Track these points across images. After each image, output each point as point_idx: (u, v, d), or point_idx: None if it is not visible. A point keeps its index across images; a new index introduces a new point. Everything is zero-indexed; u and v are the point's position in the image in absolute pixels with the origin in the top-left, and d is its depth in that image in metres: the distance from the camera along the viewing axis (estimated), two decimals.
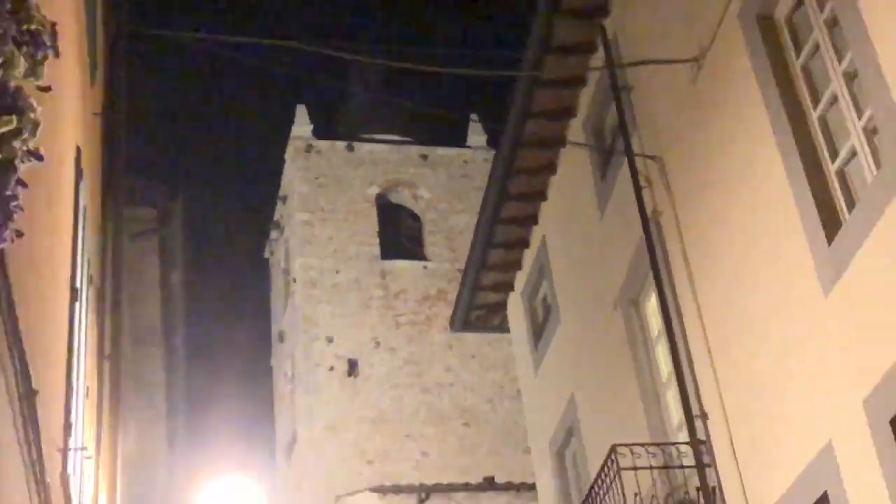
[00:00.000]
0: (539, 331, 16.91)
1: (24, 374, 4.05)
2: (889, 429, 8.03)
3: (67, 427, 5.68)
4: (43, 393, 4.76)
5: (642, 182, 12.01)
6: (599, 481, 11.34)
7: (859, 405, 8.37)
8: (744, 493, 10.28)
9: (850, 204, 8.77)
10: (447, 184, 39.87)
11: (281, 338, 40.55)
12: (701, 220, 11.10)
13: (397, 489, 27.60)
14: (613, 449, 11.13)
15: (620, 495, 10.87)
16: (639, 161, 12.08)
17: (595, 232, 14.13)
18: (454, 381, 36.47)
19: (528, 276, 17.27)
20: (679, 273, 11.52)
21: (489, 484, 28.61)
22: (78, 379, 6.17)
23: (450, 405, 36.09)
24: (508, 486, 28.33)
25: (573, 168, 15.06)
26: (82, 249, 6.44)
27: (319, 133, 39.97)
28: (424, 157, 40.20)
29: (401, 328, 36.99)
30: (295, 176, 38.90)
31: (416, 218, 39.74)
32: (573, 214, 15.11)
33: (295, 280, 37.83)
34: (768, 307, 9.73)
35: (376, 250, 37.98)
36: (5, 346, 3.70)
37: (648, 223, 11.81)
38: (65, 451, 5.58)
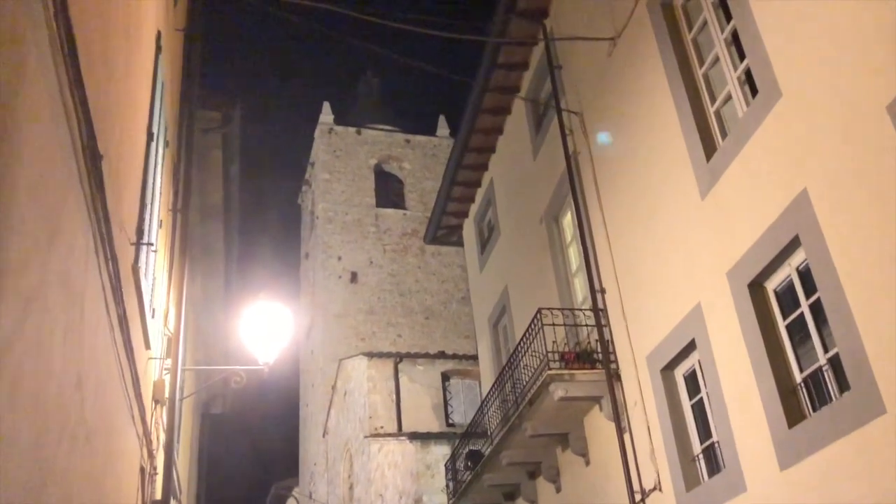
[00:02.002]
0: (484, 243, 16.00)
1: (89, 135, 2.98)
2: (746, 290, 7.23)
3: (141, 222, 4.64)
4: (115, 172, 3.75)
5: (567, 131, 11.09)
6: (527, 335, 10.49)
7: (723, 276, 7.56)
8: (630, 343, 9.48)
9: (724, 134, 7.93)
10: (422, 160, 39.76)
11: (307, 256, 40.31)
12: (609, 155, 10.20)
13: (380, 354, 26.80)
14: (539, 311, 10.28)
15: (542, 344, 10.02)
16: (565, 115, 11.14)
17: (529, 171, 13.20)
18: (420, 289, 36.29)
19: (479, 207, 16.33)
20: (590, 193, 10.64)
21: (440, 354, 27.92)
22: (152, 200, 5.12)
23: (417, 304, 35.89)
24: (454, 356, 27.66)
25: (515, 130, 14.10)
26: (160, 109, 5.39)
27: (338, 121, 39.53)
28: (408, 141, 40.19)
29: (387, 253, 36.77)
30: (320, 148, 38.64)
31: (400, 181, 39.27)
32: (514, 161, 14.16)
33: (318, 217, 37.38)
34: (656, 209, 8.89)
35: (372, 200, 37.80)
36: (69, 97, 2.68)
37: (570, 159, 10.93)
38: (137, 244, 4.52)
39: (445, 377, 26.96)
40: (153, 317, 5.49)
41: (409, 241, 37.30)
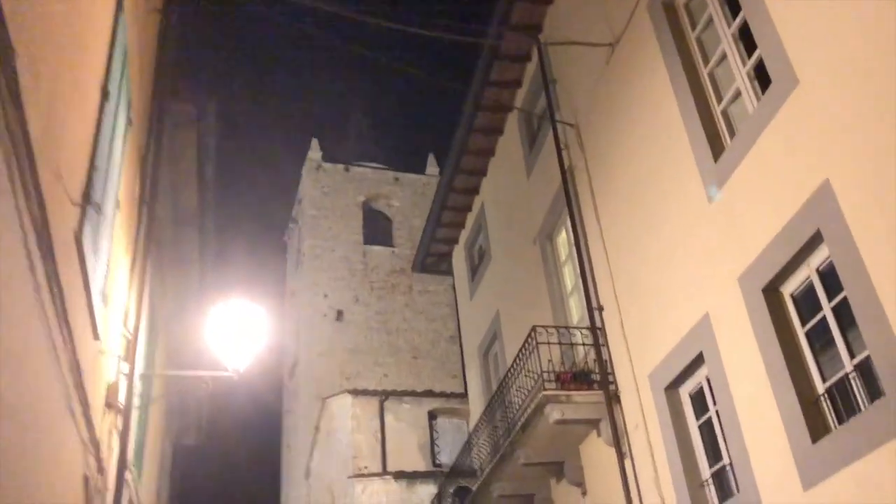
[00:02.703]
0: (474, 269, 15.40)
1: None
2: (761, 296, 6.64)
3: (89, 184, 3.98)
4: (44, 94, 3.12)
5: (562, 145, 10.59)
6: (520, 354, 9.83)
7: (734, 282, 6.97)
8: (630, 362, 8.84)
9: (732, 133, 7.42)
10: (411, 198, 39.32)
11: (293, 294, 39.53)
12: (607, 165, 9.69)
13: (365, 392, 25.93)
14: (534, 329, 9.64)
15: (538, 363, 9.36)
16: (560, 130, 10.65)
17: (522, 191, 12.67)
18: (408, 328, 35.58)
19: (469, 233, 15.76)
20: (587, 208, 10.10)
21: (427, 392, 27.12)
22: (108, 173, 4.48)
23: (404, 344, 35.15)
24: (441, 394, 26.89)
25: (508, 150, 13.61)
26: (120, 74, 4.79)
27: (326, 158, 39.19)
28: (396, 179, 39.80)
29: (374, 291, 36.08)
30: (308, 185, 38.17)
31: (388, 219, 38.78)
32: (506, 182, 13.64)
33: (304, 254, 36.76)
34: (659, 218, 8.34)
35: (360, 238, 37.20)
36: None
37: (566, 174, 10.41)
38: (83, 206, 3.87)
39: (432, 416, 26.09)
40: (105, 304, 4.84)
41: (397, 279, 36.69)
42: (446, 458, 25.13)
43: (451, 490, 14.07)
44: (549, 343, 9.51)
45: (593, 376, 9.31)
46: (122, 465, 5.26)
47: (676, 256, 7.97)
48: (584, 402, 9.11)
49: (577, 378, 9.27)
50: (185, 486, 13.44)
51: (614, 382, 9.15)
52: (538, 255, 11.83)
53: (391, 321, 35.45)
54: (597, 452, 9.57)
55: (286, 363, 38.03)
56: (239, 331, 6.13)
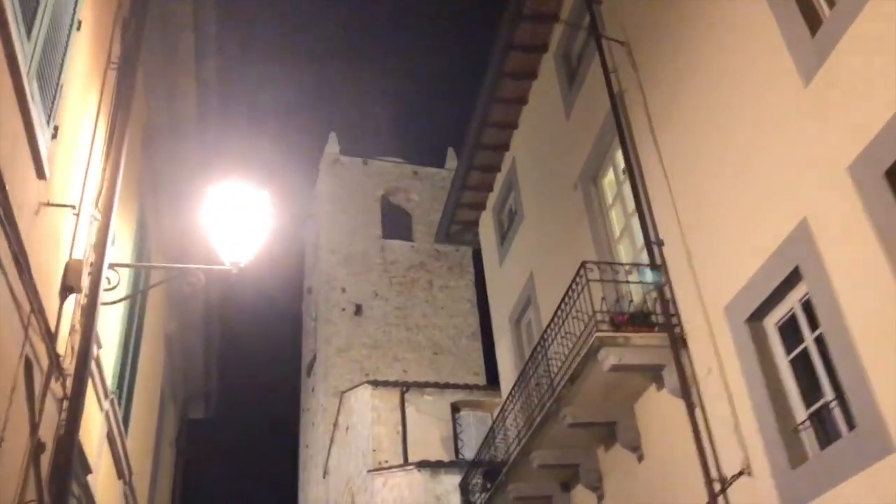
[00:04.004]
0: (504, 234, 14.10)
1: None
2: (883, 182, 5.31)
3: None
4: None
5: (610, 68, 9.32)
6: (567, 296, 8.50)
7: (842, 174, 5.64)
8: (700, 297, 7.49)
9: (831, 4, 6.11)
10: (430, 192, 38.18)
11: (309, 291, 38.48)
12: (665, 81, 8.39)
13: (385, 383, 24.64)
14: (583, 265, 8.33)
15: (588, 303, 8.05)
16: (607, 50, 9.37)
17: (561, 135, 11.38)
18: (428, 324, 34.41)
19: (498, 195, 14.46)
20: (641, 133, 8.80)
21: (450, 384, 25.80)
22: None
23: (424, 339, 34.00)
24: (465, 386, 25.58)
25: (543, 93, 12.34)
26: None
27: (343, 152, 38.11)
28: (415, 172, 38.69)
29: (393, 285, 34.95)
30: (325, 178, 37.15)
31: (407, 214, 37.66)
32: (541, 129, 12.36)
33: (321, 248, 35.73)
34: (737, 118, 7.01)
35: (379, 232, 36.15)
36: None
37: (615, 99, 9.14)
38: None
39: (455, 409, 24.72)
40: (54, 137, 3.61)
41: (417, 273, 35.53)
42: (470, 452, 23.73)
43: (480, 471, 12.72)
44: (601, 280, 8.20)
45: (653, 318, 7.99)
46: (82, 365, 4.02)
47: (761, 161, 6.65)
48: (645, 345, 7.77)
49: (634, 320, 7.95)
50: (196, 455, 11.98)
51: (679, 324, 7.82)
52: (580, 201, 10.53)
53: (411, 317, 34.26)
54: (657, 409, 8.24)
55: (304, 359, 36.92)
56: (239, 219, 4.89)
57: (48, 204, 3.70)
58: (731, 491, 6.80)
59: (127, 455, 6.24)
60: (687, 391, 7.41)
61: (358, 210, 36.46)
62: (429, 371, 32.51)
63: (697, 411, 7.34)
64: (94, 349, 4.37)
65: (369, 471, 22.48)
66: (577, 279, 8.26)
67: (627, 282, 8.28)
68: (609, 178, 10.11)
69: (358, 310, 33.74)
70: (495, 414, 25.09)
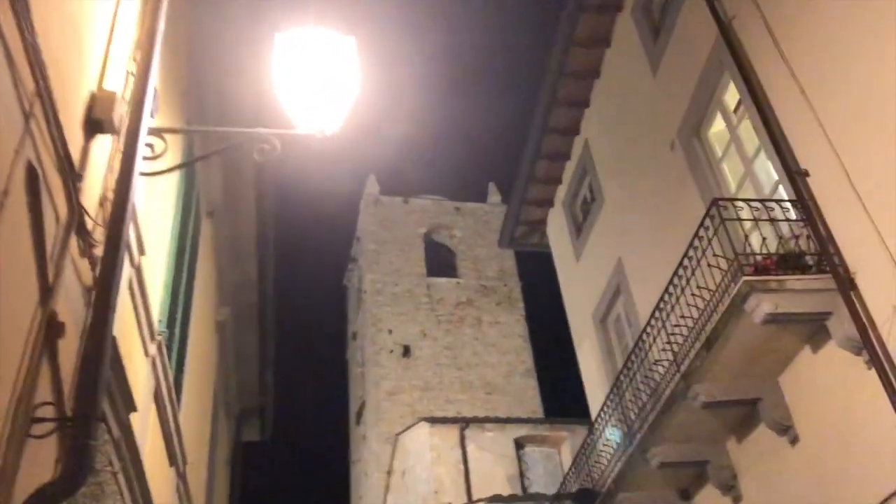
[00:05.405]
0: (579, 226, 12.69)
1: None
2: None
3: None
4: None
5: None
6: (696, 240, 7.02)
7: None
8: (875, 227, 6.00)
9: None
10: (473, 227, 37.18)
11: (354, 337, 37.23)
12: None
13: (444, 420, 23.01)
14: (715, 203, 6.91)
15: (727, 244, 6.61)
16: None
17: (647, 96, 10.07)
18: (479, 362, 32.83)
19: (569, 187, 13.09)
20: (762, 58, 7.44)
21: (511, 419, 24.13)
22: None
23: (476, 379, 32.36)
24: (528, 420, 23.91)
25: (619, 58, 11.06)
26: None
27: (383, 192, 37.27)
28: (457, 209, 37.66)
29: (441, 324, 33.52)
30: (367, 219, 36.26)
31: (451, 251, 36.50)
32: (620, 97, 11.05)
33: (365, 290, 34.46)
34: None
35: (423, 270, 34.99)
36: None
37: (724, 26, 7.83)
38: None
39: (519, 445, 22.99)
40: None
41: (465, 310, 34.11)
42: (539, 489, 21.91)
43: (573, 490, 11.11)
44: (739, 219, 6.76)
45: (807, 259, 6.50)
46: (118, 226, 2.70)
47: None
48: (805, 289, 6.27)
49: (785, 262, 6.47)
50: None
51: (842, 264, 6.32)
52: (680, 161, 9.15)
53: (461, 356, 32.71)
54: (814, 376, 6.69)
55: (352, 407, 35.42)
56: (319, 74, 3.61)
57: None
58: None
59: (179, 430, 4.87)
60: (867, 339, 5.88)
61: (401, 249, 35.40)
62: (483, 412, 30.77)
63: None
64: (132, 237, 3.07)
65: None
66: (710, 218, 6.81)
67: (771, 220, 6.78)
68: (716, 129, 8.74)
69: (406, 351, 32.32)
70: (563, 450, 23.42)
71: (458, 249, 36.26)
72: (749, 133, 8.06)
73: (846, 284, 6.13)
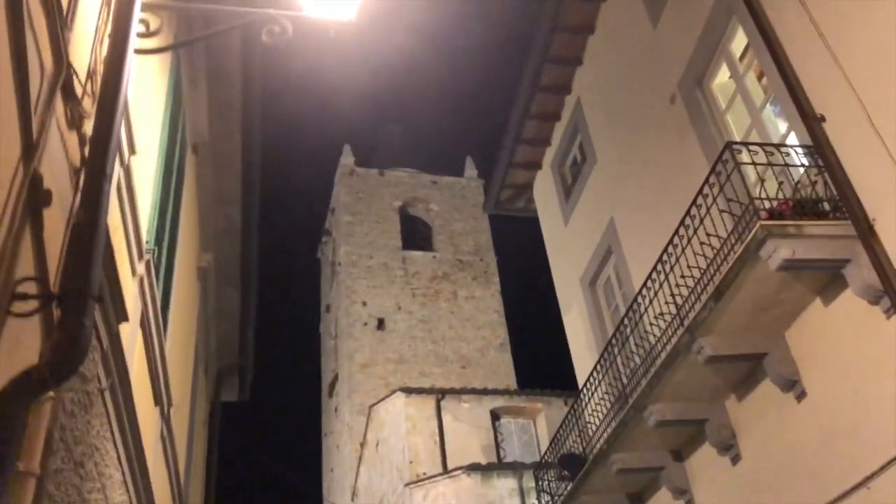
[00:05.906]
0: (568, 189, 12.38)
1: None
2: None
3: None
4: None
5: None
6: (707, 185, 6.72)
7: None
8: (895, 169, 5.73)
9: None
10: (450, 201, 36.75)
11: (328, 309, 36.80)
12: None
13: (420, 391, 22.70)
14: (728, 146, 6.60)
15: (742, 186, 6.31)
16: None
17: (646, 48, 9.73)
18: (454, 336, 32.65)
19: (558, 148, 12.76)
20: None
21: (488, 390, 23.91)
22: None
23: (451, 353, 32.18)
24: (505, 391, 23.73)
25: (616, 12, 10.70)
26: None
27: (358, 163, 36.69)
28: (434, 182, 37.22)
29: (416, 297, 33.24)
30: (341, 191, 35.71)
31: (427, 225, 36.11)
32: (616, 51, 10.70)
33: (340, 263, 34.02)
34: None
35: (399, 243, 34.58)
36: None
37: None
38: None
39: (495, 416, 22.78)
40: None
41: (440, 285, 33.82)
42: (515, 459, 21.74)
43: (556, 458, 10.86)
44: (754, 164, 6.45)
45: (823, 206, 6.23)
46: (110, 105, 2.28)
47: None
48: (823, 234, 6.00)
49: (801, 207, 6.19)
50: None
51: (861, 209, 6.05)
52: (681, 114, 8.83)
53: (436, 329, 32.47)
54: (824, 330, 6.44)
55: (324, 380, 35.05)
56: None
57: None
58: None
59: (165, 366, 4.45)
60: (889, 285, 5.62)
61: (376, 221, 34.96)
62: (458, 385, 30.57)
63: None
64: (123, 131, 2.65)
65: (406, 484, 20.48)
66: (721, 163, 6.51)
67: (785, 165, 6.49)
68: (720, 80, 8.43)
69: (380, 324, 31.99)
70: (538, 421, 23.25)
71: (434, 223, 35.92)
72: (755, 83, 7.76)
73: (866, 230, 5.85)
